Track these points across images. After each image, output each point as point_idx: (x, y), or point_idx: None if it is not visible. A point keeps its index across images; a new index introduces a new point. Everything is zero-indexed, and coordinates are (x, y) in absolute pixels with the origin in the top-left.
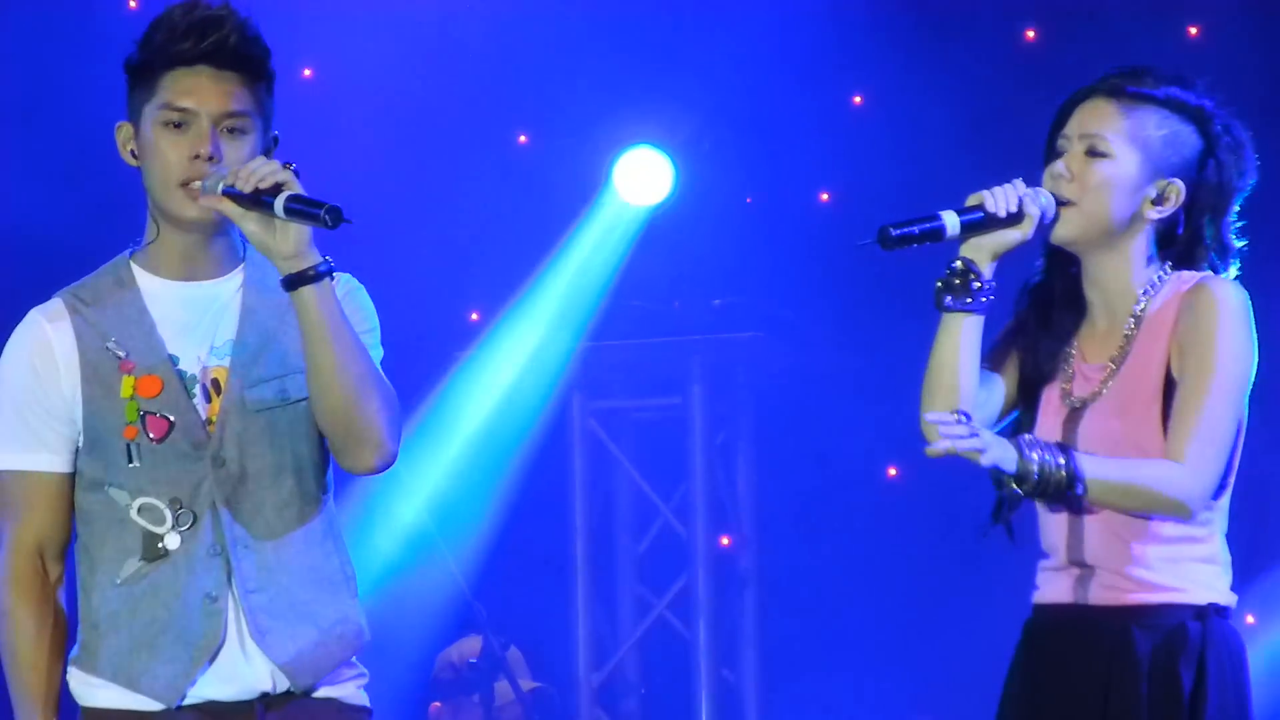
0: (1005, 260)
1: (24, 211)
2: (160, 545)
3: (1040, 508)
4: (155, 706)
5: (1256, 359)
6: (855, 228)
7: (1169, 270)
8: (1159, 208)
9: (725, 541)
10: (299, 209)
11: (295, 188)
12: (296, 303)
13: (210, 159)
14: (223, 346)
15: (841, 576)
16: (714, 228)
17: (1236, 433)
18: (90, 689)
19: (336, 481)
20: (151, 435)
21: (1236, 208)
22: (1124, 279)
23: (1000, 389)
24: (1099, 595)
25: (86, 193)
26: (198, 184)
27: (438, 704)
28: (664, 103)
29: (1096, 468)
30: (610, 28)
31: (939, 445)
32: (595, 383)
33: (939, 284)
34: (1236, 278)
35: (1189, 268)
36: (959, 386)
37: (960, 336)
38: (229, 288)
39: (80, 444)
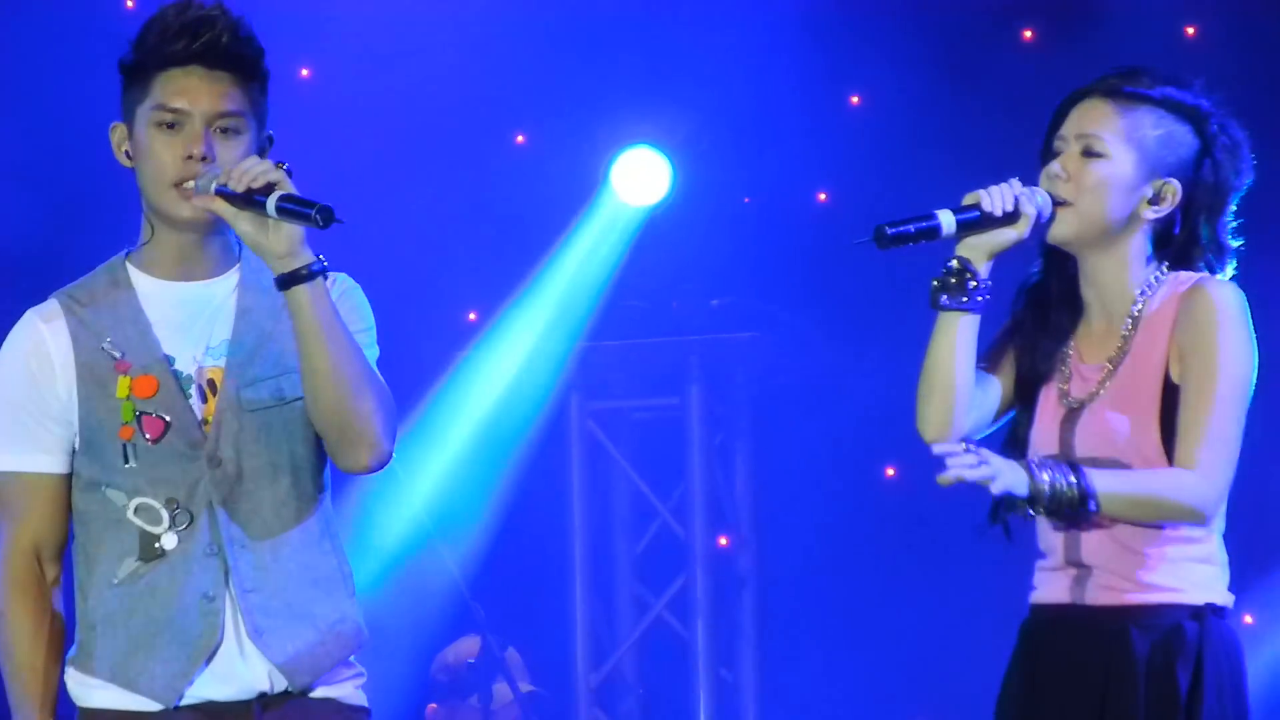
0: (1001, 260)
1: (22, 213)
2: (157, 545)
3: None
4: (153, 707)
5: (1257, 359)
6: (853, 228)
7: (1166, 270)
8: (1155, 208)
9: (723, 541)
10: (290, 208)
11: (287, 187)
12: (290, 302)
13: (203, 159)
14: (218, 346)
15: (840, 576)
16: (712, 228)
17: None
18: (88, 690)
19: (334, 481)
20: (148, 435)
21: (1233, 207)
22: (1121, 279)
23: (997, 389)
24: (1096, 595)
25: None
26: (190, 184)
27: (434, 705)
28: (662, 103)
29: (1108, 482)
30: (608, 28)
31: (948, 475)
32: (593, 383)
33: (935, 283)
34: (1233, 277)
35: (1185, 267)
36: (955, 386)
37: (956, 335)
38: (224, 288)
39: (76, 445)
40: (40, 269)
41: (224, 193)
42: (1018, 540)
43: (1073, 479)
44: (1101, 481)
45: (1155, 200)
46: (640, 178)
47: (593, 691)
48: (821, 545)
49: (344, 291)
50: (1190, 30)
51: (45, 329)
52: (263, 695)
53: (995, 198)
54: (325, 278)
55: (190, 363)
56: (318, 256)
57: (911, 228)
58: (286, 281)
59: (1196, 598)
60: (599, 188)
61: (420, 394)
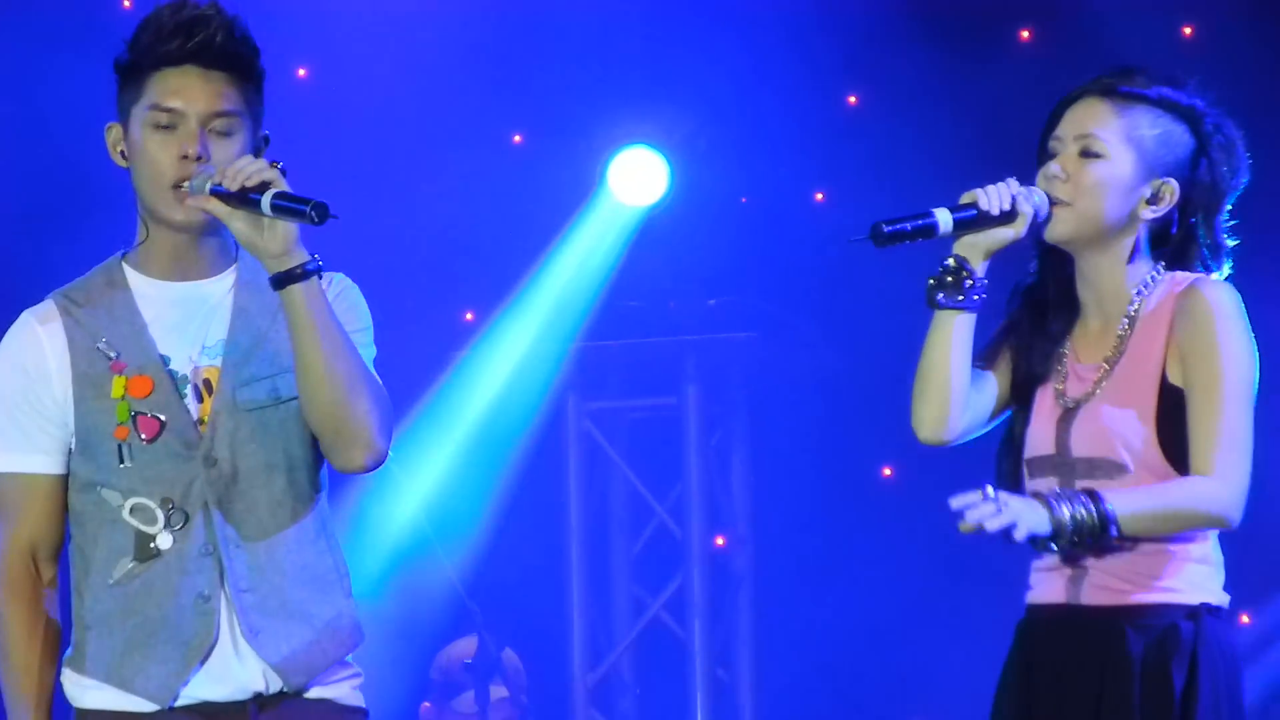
0: (997, 260)
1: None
2: (152, 545)
3: None
4: (148, 707)
5: (1258, 357)
6: (850, 228)
7: (1162, 270)
8: (1153, 207)
9: (720, 541)
10: (285, 205)
11: (282, 185)
12: (285, 301)
13: (198, 159)
14: (214, 346)
15: (836, 576)
16: (709, 228)
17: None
18: (83, 690)
19: (331, 481)
20: (143, 435)
21: (1229, 206)
22: (1118, 279)
23: (993, 389)
24: (1092, 595)
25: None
26: (186, 185)
27: (427, 704)
28: (659, 103)
29: (1127, 503)
30: (605, 28)
31: (969, 524)
32: (590, 383)
33: (931, 281)
34: (1229, 276)
35: (1182, 267)
36: (950, 385)
37: (952, 334)
38: (221, 287)
39: (73, 446)
40: (38, 269)
41: (219, 192)
42: (1016, 542)
43: (1092, 507)
44: (1121, 504)
45: (1153, 200)
46: (637, 178)
47: (589, 691)
48: (818, 545)
49: (341, 291)
50: (1187, 30)
51: (41, 330)
52: (258, 695)
53: (992, 196)
54: (320, 277)
55: (186, 362)
56: (313, 256)
57: (908, 226)
58: (281, 280)
59: (1192, 597)
60: (596, 187)
61: (417, 394)
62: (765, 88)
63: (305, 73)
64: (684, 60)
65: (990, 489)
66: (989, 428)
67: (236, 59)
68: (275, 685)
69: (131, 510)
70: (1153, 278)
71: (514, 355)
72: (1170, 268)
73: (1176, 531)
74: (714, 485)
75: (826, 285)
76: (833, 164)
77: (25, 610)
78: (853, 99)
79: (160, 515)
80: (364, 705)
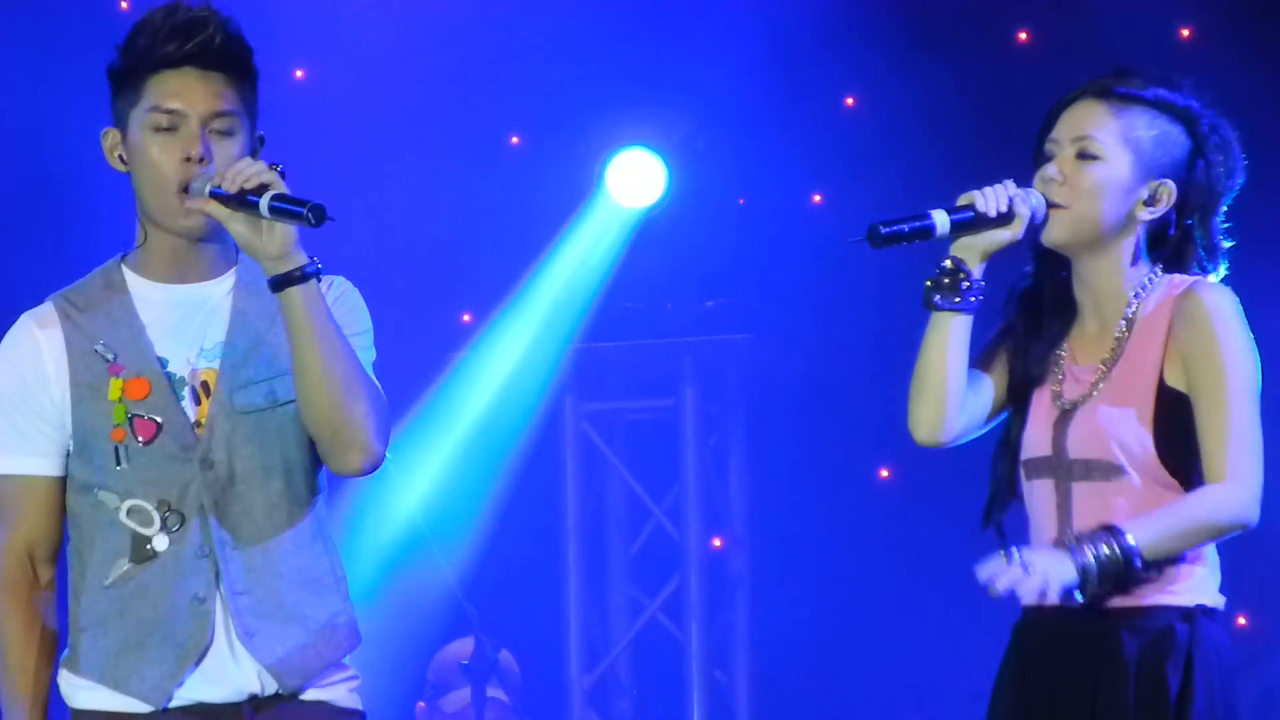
0: (994, 261)
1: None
2: (149, 547)
3: (1030, 509)
4: (143, 708)
5: (1258, 357)
6: (847, 229)
7: (1159, 272)
8: (1151, 209)
9: (717, 543)
10: (283, 207)
11: (280, 187)
12: (283, 304)
13: (201, 160)
14: (213, 349)
15: (833, 578)
16: (706, 229)
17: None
18: (78, 691)
19: (329, 483)
20: (140, 438)
21: (1225, 208)
22: (1115, 281)
23: (990, 390)
24: None
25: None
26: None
27: (422, 704)
28: (657, 104)
29: (1146, 531)
30: (603, 29)
31: (997, 588)
32: (587, 384)
33: (928, 283)
34: (1225, 278)
35: (1178, 268)
36: (947, 386)
37: (949, 336)
38: (220, 290)
39: (71, 448)
40: (34, 272)
41: (218, 194)
42: (1011, 542)
43: (1114, 543)
44: (1140, 533)
45: (1150, 202)
46: (635, 179)
47: (586, 692)
48: (816, 547)
49: (341, 294)
50: (1185, 32)
51: (40, 333)
52: (254, 697)
53: (990, 198)
54: (320, 280)
55: (184, 365)
56: (312, 259)
57: (905, 227)
58: (280, 283)
59: (1187, 599)
60: (594, 189)
61: (415, 395)
62: (762, 89)
63: (303, 74)
64: (682, 62)
65: (1014, 551)
66: (986, 429)
67: (234, 59)
68: (271, 687)
69: (128, 512)
70: (1150, 280)
71: (511, 356)
72: (1167, 269)
73: (1200, 544)
74: (711, 486)
75: (824, 287)
76: (830, 166)
77: (22, 611)
78: (850, 100)
79: (157, 517)
80: (360, 708)
